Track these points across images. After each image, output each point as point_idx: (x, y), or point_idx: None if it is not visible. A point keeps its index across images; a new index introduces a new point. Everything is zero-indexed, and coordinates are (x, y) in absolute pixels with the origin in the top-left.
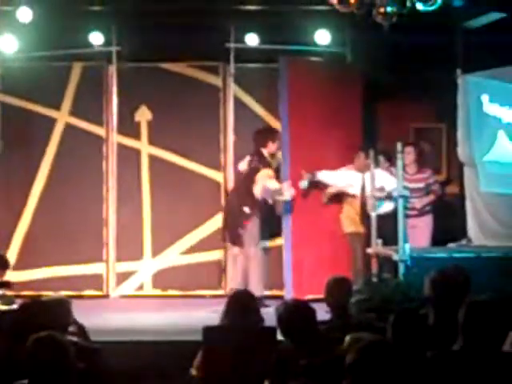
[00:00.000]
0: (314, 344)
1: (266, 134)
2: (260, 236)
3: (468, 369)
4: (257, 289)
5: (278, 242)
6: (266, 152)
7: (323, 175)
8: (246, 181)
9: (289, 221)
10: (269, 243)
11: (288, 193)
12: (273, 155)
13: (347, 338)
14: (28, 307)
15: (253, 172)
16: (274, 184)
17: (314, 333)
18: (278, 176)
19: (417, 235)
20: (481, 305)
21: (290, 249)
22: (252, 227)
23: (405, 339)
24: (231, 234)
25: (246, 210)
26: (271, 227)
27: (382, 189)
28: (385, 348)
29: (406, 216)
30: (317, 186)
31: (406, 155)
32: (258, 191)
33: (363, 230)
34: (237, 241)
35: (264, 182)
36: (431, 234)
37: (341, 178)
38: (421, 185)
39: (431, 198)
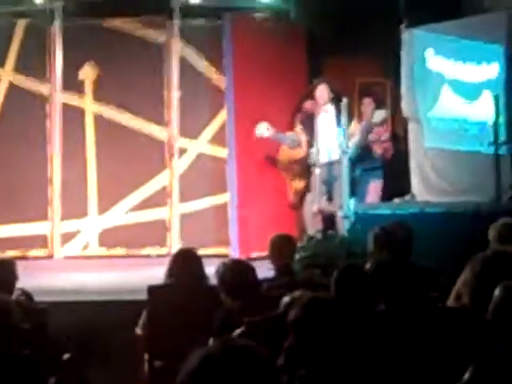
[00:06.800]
0: (257, 302)
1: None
2: None
3: (414, 324)
4: None
5: (223, 199)
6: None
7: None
8: None
9: (233, 177)
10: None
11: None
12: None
13: (285, 299)
14: None
15: None
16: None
17: (256, 291)
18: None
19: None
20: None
21: (235, 206)
22: None
23: (348, 295)
24: None
25: None
26: None
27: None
28: (328, 304)
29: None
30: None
31: (367, 106)
32: None
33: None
34: None
35: None
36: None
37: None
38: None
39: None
